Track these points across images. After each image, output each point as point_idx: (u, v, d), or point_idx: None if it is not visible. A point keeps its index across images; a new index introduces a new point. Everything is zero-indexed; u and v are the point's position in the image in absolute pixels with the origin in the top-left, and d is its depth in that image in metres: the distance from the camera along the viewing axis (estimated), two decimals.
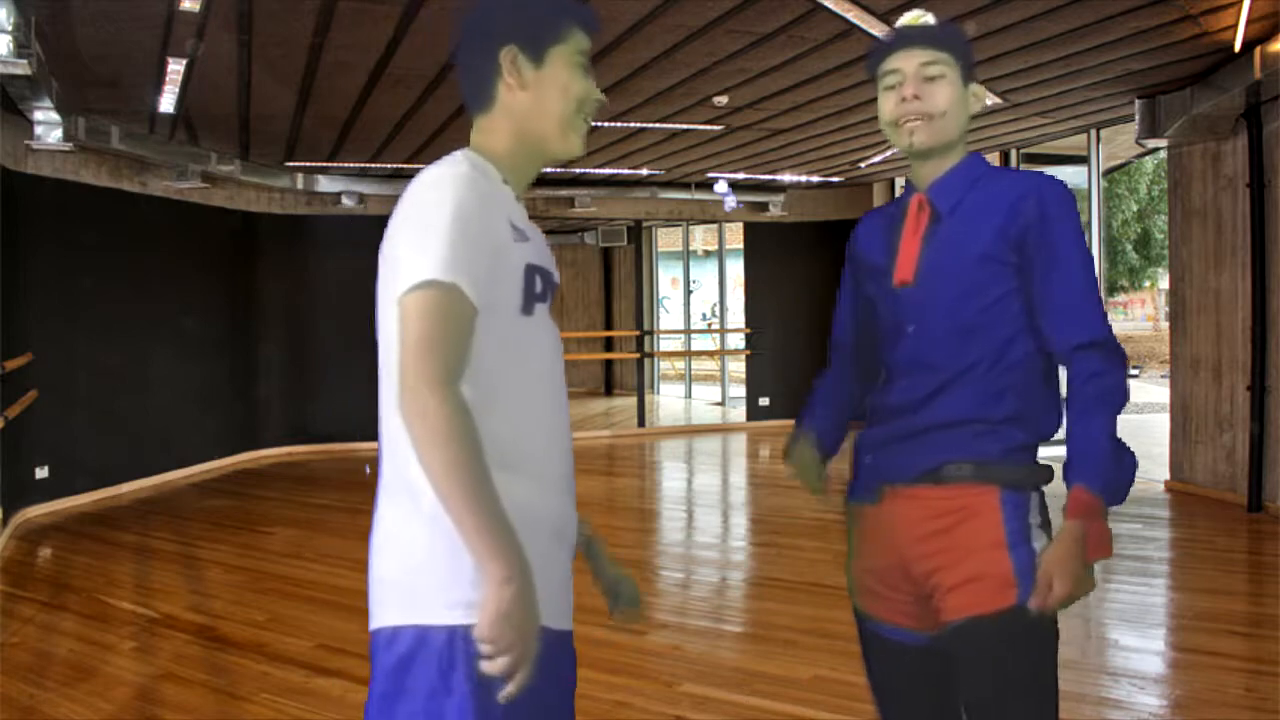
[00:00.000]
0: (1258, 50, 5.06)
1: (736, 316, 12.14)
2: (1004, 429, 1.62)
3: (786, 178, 9.85)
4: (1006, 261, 1.61)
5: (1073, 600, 1.53)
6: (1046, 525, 1.63)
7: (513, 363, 1.36)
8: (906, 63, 1.65)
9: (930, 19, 1.67)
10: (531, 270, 1.37)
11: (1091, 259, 1.65)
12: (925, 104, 1.64)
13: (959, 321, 1.63)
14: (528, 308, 1.37)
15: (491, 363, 1.32)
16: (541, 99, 1.43)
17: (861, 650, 1.79)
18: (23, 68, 4.19)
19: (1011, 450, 1.62)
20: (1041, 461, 1.67)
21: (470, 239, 1.27)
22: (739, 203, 10.09)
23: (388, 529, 1.36)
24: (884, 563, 1.68)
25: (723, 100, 6.23)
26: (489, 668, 1.23)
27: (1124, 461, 1.57)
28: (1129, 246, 20.77)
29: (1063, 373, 1.65)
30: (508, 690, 1.24)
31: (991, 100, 6.24)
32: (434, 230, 1.26)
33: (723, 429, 11.21)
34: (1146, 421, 10.80)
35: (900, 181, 9.89)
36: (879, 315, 1.73)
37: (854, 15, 4.48)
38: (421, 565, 1.31)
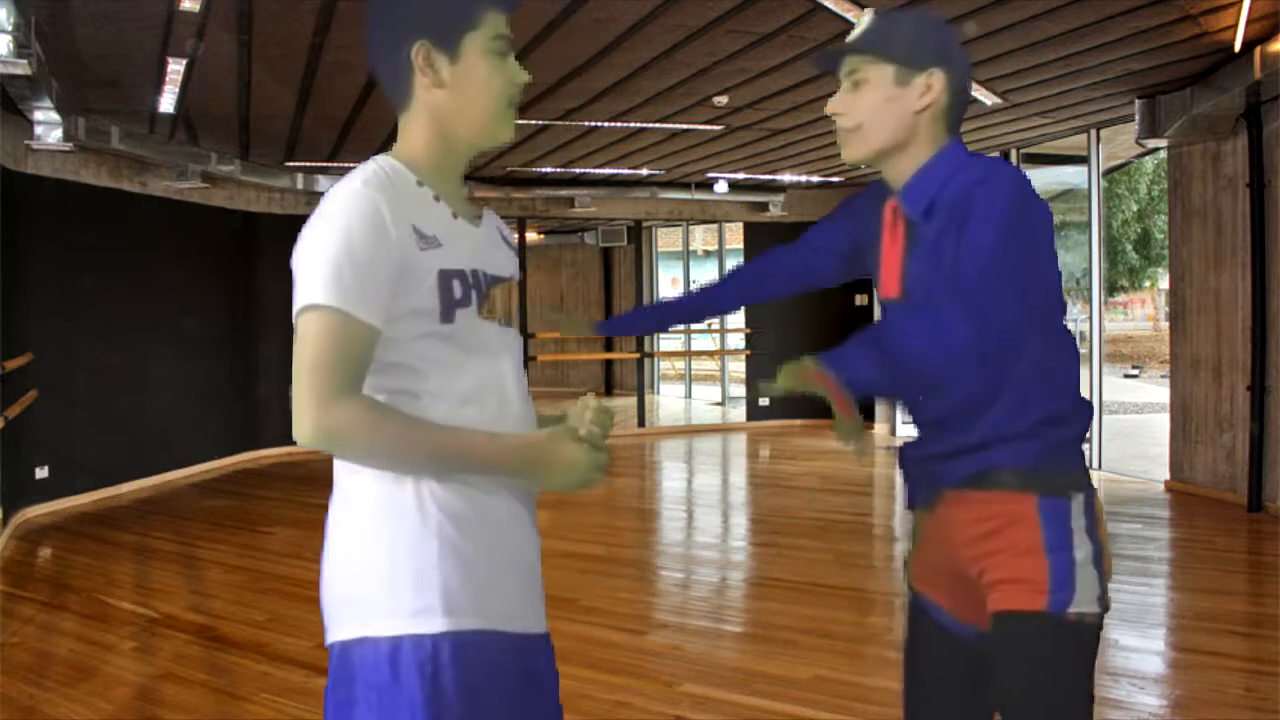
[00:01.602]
0: (1258, 50, 5.06)
1: (736, 316, 12.14)
2: (1040, 432, 1.58)
3: (786, 178, 9.85)
4: None
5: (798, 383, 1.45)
6: (1093, 529, 1.59)
7: (441, 373, 1.32)
8: (841, 72, 1.64)
9: (864, 22, 1.62)
10: (447, 276, 1.31)
11: (999, 251, 1.46)
12: (844, 118, 1.62)
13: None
14: (447, 315, 1.31)
15: (418, 375, 1.30)
16: (461, 97, 1.36)
17: (907, 629, 1.79)
18: (23, 68, 4.19)
19: (1048, 454, 1.58)
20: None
21: (358, 260, 1.24)
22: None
23: (329, 544, 1.35)
24: (941, 563, 1.70)
25: (723, 100, 6.22)
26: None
27: (865, 354, 1.46)
28: (1129, 246, 20.75)
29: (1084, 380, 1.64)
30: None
31: (991, 100, 6.24)
32: (322, 254, 1.24)
33: (723, 429, 11.21)
34: (1146, 421, 10.80)
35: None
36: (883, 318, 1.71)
37: (854, 15, 4.47)
38: (360, 578, 1.29)
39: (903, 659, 1.79)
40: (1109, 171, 13.24)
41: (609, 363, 14.35)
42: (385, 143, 7.48)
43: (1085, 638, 1.56)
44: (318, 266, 1.25)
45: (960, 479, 1.62)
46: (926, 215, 1.58)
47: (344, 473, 1.33)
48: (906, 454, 1.73)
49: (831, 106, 1.64)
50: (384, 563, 1.28)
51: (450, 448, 1.28)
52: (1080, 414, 1.63)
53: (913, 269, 1.60)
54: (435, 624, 1.26)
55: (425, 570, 1.28)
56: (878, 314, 1.75)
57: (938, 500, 1.67)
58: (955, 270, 1.48)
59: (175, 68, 5.10)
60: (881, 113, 1.59)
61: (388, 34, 1.36)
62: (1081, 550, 1.56)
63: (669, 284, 15.66)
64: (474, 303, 1.35)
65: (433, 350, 1.31)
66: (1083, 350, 9.65)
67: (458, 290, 1.32)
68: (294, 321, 1.26)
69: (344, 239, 1.24)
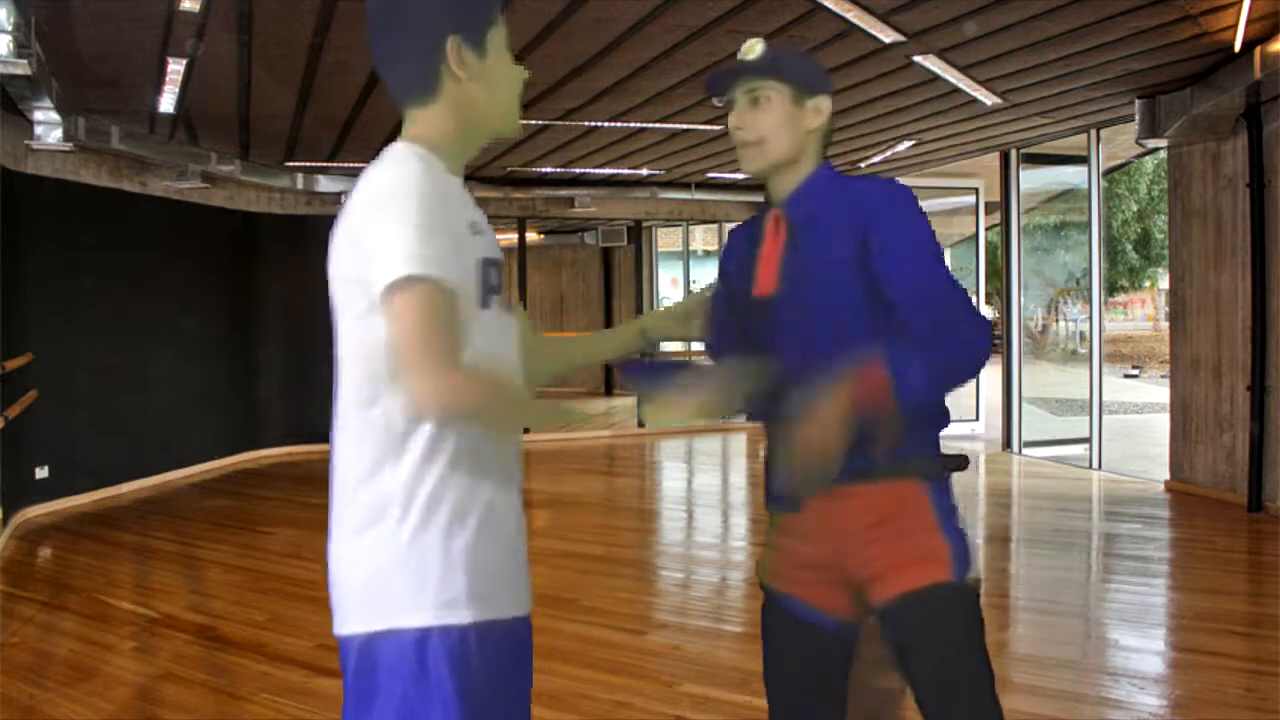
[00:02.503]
0: (1258, 50, 5.06)
1: None
2: (916, 422, 1.71)
3: None
4: (857, 263, 1.68)
5: (814, 458, 1.51)
6: (957, 508, 1.76)
7: (474, 355, 1.35)
8: (739, 91, 1.79)
9: (759, 48, 1.76)
10: (485, 264, 1.37)
11: (931, 249, 1.68)
12: (749, 132, 1.77)
13: (829, 329, 1.71)
14: (484, 301, 1.36)
15: None
16: (491, 87, 1.43)
17: (764, 627, 1.86)
18: (23, 68, 4.19)
19: (924, 443, 1.74)
20: (948, 451, 1.79)
21: (437, 234, 1.27)
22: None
23: (346, 536, 1.36)
24: (818, 558, 1.77)
25: (723, 100, 6.22)
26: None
27: (928, 374, 1.56)
28: (1129, 246, 20.74)
29: None
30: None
31: (991, 100, 6.24)
32: (402, 228, 1.25)
33: (723, 429, 11.21)
34: (1146, 421, 10.81)
35: (901, 182, 9.87)
36: (752, 329, 1.80)
37: (854, 15, 4.48)
38: (386, 570, 1.31)
39: (763, 658, 1.86)
40: (1109, 171, 13.25)
41: (609, 363, 14.33)
42: (385, 143, 7.45)
43: (979, 602, 1.72)
44: (402, 240, 1.25)
45: (846, 474, 1.67)
46: (807, 222, 1.74)
47: (368, 473, 1.34)
48: (778, 452, 1.78)
49: (735, 121, 1.79)
50: (410, 560, 1.31)
51: (536, 407, 1.34)
52: (941, 407, 1.78)
53: (788, 268, 1.75)
54: (462, 615, 1.31)
55: (450, 564, 1.31)
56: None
57: (804, 500, 1.75)
58: (888, 273, 1.64)
59: (175, 68, 5.11)
60: (782, 129, 1.76)
61: (415, 31, 1.39)
62: (962, 525, 1.74)
63: (669, 284, 15.66)
64: (500, 292, 1.42)
65: (469, 337, 1.34)
66: (1082, 350, 9.52)
67: (493, 277, 1.38)
68: (382, 297, 1.25)
69: (423, 215, 1.26)
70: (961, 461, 1.79)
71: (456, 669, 1.29)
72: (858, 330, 1.69)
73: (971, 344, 1.60)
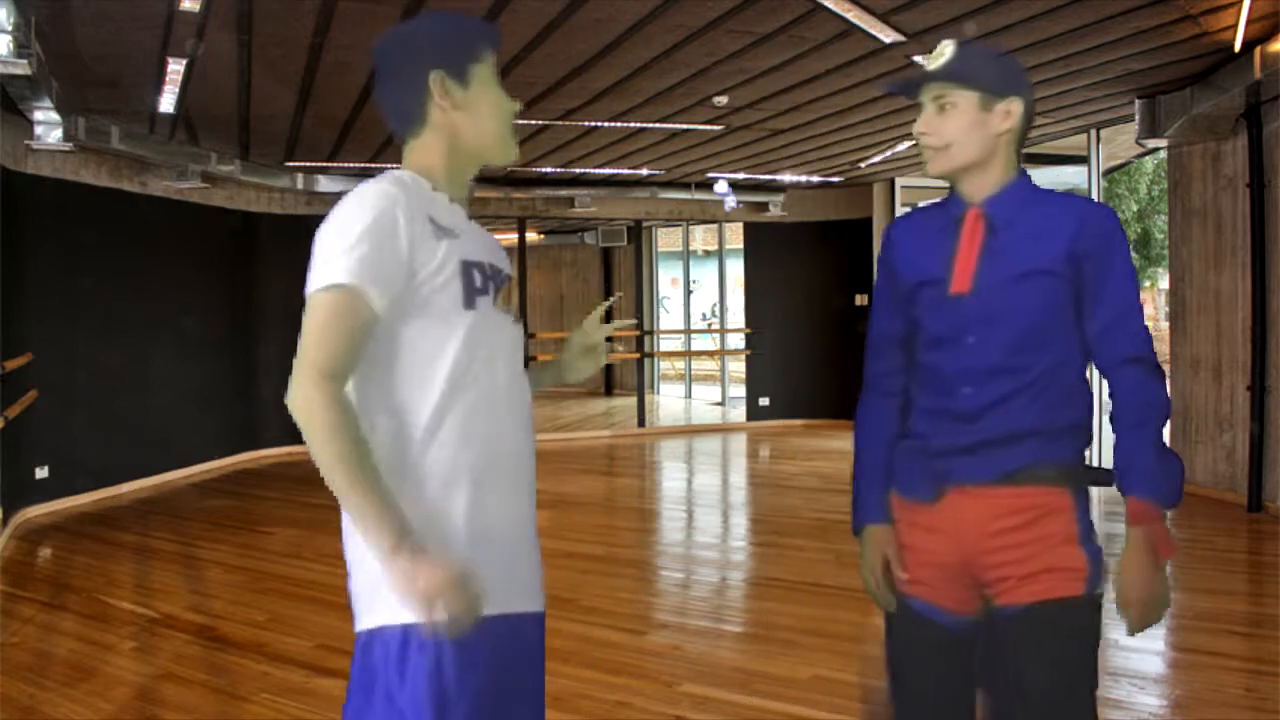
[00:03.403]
0: (1258, 50, 5.06)
1: (736, 316, 12.14)
2: (1070, 434, 1.74)
3: (786, 178, 9.85)
4: (1061, 277, 1.70)
5: (1156, 606, 1.73)
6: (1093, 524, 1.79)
7: (460, 356, 1.43)
8: (926, 95, 1.77)
9: (947, 52, 1.75)
10: (468, 266, 1.45)
11: (1138, 283, 1.75)
12: (933, 138, 1.75)
13: (1020, 332, 1.71)
14: (469, 302, 1.45)
15: (435, 355, 1.42)
16: (475, 117, 1.54)
17: (888, 625, 1.87)
18: (23, 68, 4.19)
19: (1078, 454, 1.76)
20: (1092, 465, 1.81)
21: (381, 248, 1.36)
22: (739, 202, 10.09)
23: (346, 542, 1.47)
24: (942, 556, 1.77)
25: (723, 100, 6.22)
26: (429, 624, 1.32)
27: (1170, 468, 1.74)
28: (1129, 246, 20.76)
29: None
30: (451, 626, 1.31)
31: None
32: (344, 240, 1.36)
33: (723, 429, 11.21)
34: None
35: (901, 182, 9.91)
36: (926, 325, 1.79)
37: (854, 15, 4.47)
38: (370, 571, 1.40)
39: (886, 657, 1.86)
40: (1109, 171, 13.24)
41: (609, 363, 14.33)
42: (385, 143, 7.48)
43: (1101, 618, 1.78)
44: (340, 252, 1.36)
45: (988, 478, 1.72)
46: (1008, 226, 1.74)
47: None
48: (926, 447, 1.78)
49: (920, 127, 1.78)
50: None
51: (364, 493, 1.34)
52: (1090, 426, 1.81)
53: (986, 269, 1.74)
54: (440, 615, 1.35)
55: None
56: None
57: (944, 494, 1.75)
58: (1096, 300, 1.73)
59: (175, 68, 5.10)
60: (968, 134, 1.74)
61: (404, 67, 1.53)
62: (1099, 539, 1.77)
63: (669, 284, 15.65)
64: (491, 293, 1.48)
65: (453, 333, 1.43)
66: None
67: (478, 279, 1.46)
68: (308, 300, 1.37)
69: (368, 229, 1.37)
70: (1104, 476, 1.78)
71: (431, 662, 1.38)
72: (1044, 339, 1.72)
73: (1163, 380, 1.74)
